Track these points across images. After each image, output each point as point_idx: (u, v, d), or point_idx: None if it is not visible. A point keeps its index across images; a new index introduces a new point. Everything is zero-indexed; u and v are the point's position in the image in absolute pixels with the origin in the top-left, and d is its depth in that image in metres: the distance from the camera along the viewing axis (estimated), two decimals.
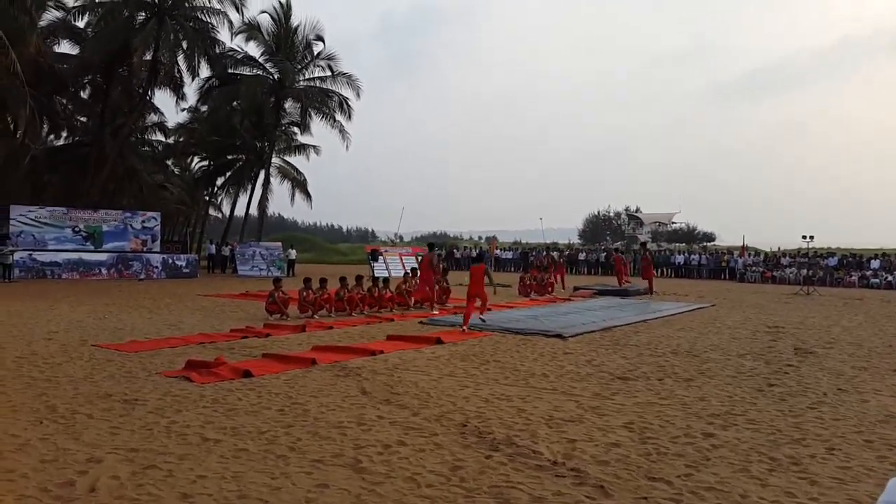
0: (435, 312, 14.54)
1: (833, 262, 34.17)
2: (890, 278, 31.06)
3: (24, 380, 6.86)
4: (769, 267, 35.16)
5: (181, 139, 38.91)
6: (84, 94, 33.10)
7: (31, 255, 23.93)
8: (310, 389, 6.66)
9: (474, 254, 28.72)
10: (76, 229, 25.64)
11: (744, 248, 39.66)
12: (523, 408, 6.08)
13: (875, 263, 32.95)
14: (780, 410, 6.19)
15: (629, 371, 8.09)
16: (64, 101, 32.45)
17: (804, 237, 27.04)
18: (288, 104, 34.52)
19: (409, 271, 17.65)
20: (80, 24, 30.40)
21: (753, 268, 35.47)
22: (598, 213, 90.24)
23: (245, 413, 5.70)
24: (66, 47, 30.73)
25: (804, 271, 31.33)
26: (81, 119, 34.75)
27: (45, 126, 31.42)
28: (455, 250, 45.74)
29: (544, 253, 36.52)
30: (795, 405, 6.41)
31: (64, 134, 34.30)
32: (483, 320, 12.44)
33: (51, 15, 29.38)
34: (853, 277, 31.96)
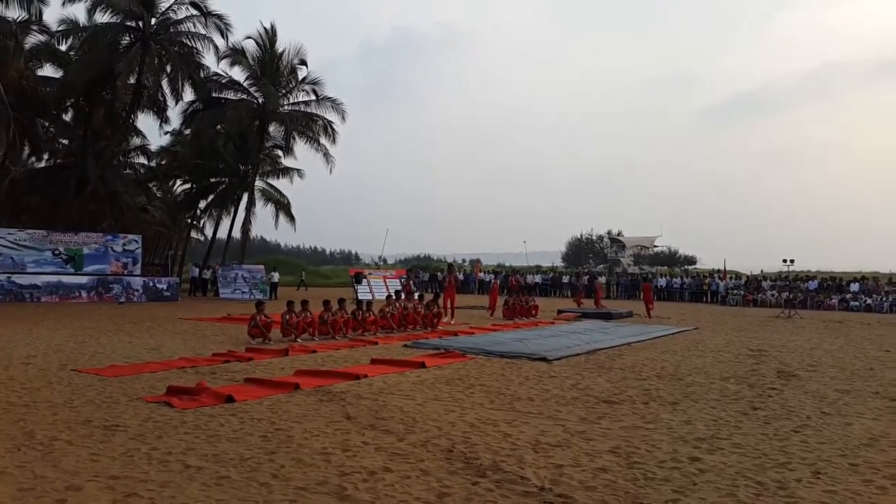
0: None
1: (813, 285, 34.54)
2: (869, 301, 31.43)
3: (0, 405, 6.72)
4: (750, 290, 35.46)
5: (164, 162, 38.77)
6: (66, 117, 32.93)
7: (9, 277, 23.61)
8: (293, 415, 6.59)
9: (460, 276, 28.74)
10: (56, 252, 25.35)
11: (725, 272, 40.01)
12: (509, 432, 6.05)
13: (855, 287, 33.36)
14: (764, 434, 6.20)
15: (614, 395, 8.08)
16: (46, 123, 32.23)
17: (785, 261, 27.41)
18: (272, 128, 34.52)
19: (392, 294, 17.57)
20: (64, 47, 30.37)
21: (735, 291, 35.76)
22: (581, 236, 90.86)
23: (227, 439, 5.62)
24: (49, 70, 30.64)
25: (785, 294, 31.64)
26: (63, 141, 34.53)
27: (26, 148, 31.19)
28: (439, 273, 45.68)
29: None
30: (780, 428, 6.43)
31: (45, 156, 34.04)
32: None
33: (34, 38, 29.30)
34: (833, 300, 32.31)
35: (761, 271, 44.97)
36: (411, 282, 20.69)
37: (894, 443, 5.96)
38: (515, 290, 23.95)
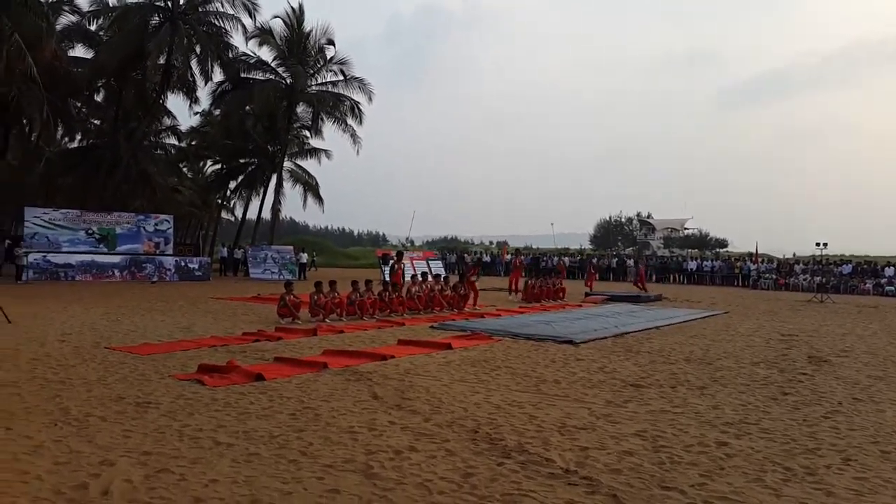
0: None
1: (847, 269, 33.94)
2: None
3: (37, 381, 6.89)
4: (782, 274, 34.96)
5: (194, 143, 39.15)
6: (98, 98, 33.40)
7: (44, 256, 24.07)
8: (321, 394, 6.66)
9: (487, 258, 28.19)
10: (89, 231, 25.77)
11: (757, 255, 39.45)
12: (535, 414, 6.06)
13: (889, 271, 32.71)
14: (794, 419, 6.13)
15: (642, 378, 8.04)
16: (78, 104, 32.73)
17: (818, 244, 26.97)
18: (300, 108, 34.65)
19: (419, 275, 17.59)
20: (94, 27, 30.70)
21: (766, 275, 35.28)
22: (610, 218, 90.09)
23: (257, 417, 5.70)
24: (80, 51, 31.05)
25: (818, 278, 31.12)
26: (95, 122, 35.07)
27: (59, 129, 31.70)
28: (465, 255, 45.66)
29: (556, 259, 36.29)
30: (810, 414, 6.35)
31: (78, 136, 34.63)
32: None
33: (65, 19, 29.70)
34: (867, 285, 31.73)
35: (794, 255, 44.25)
36: (397, 264, 19.74)
37: None
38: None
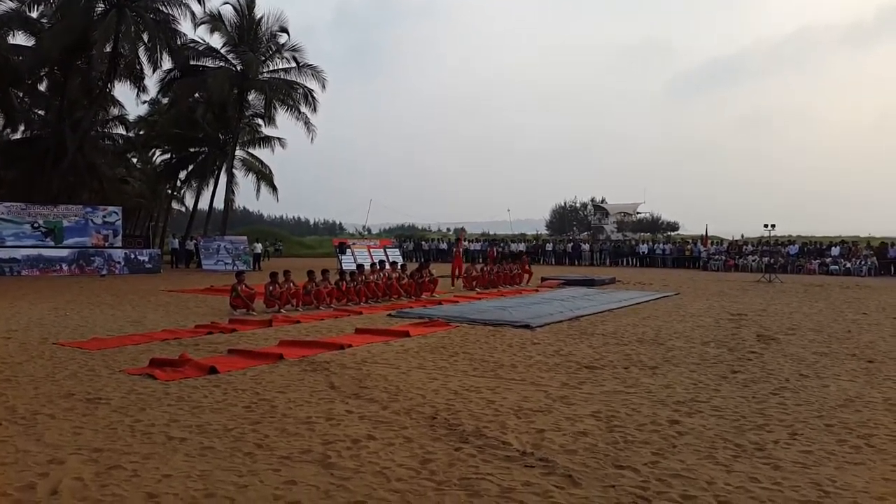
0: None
1: (794, 249, 34.84)
2: (849, 265, 31.77)
3: None
4: (732, 255, 35.70)
5: (142, 132, 38.22)
6: (42, 87, 32.31)
7: None
8: (277, 385, 6.60)
9: (444, 245, 28.16)
10: (35, 225, 25.05)
11: (707, 237, 40.25)
12: (492, 399, 6.10)
13: (835, 251, 33.69)
14: (743, 397, 6.30)
15: (596, 360, 8.16)
16: (20, 94, 31.61)
17: (766, 226, 27.68)
18: (252, 96, 34.03)
19: (376, 263, 17.54)
20: (35, 14, 29.66)
21: (716, 256, 36.00)
22: (565, 204, 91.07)
23: (211, 410, 5.63)
24: (20, 39, 29.90)
25: (766, 259, 31.91)
26: (39, 112, 33.93)
27: (0, 120, 30.63)
28: (423, 242, 45.64)
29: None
30: (759, 391, 6.53)
31: (21, 127, 33.44)
32: None
33: (3, 6, 28.58)
34: (813, 265, 32.62)
35: (742, 236, 45.33)
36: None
37: (868, 403, 6.08)
38: (493, 260, 23.65)
